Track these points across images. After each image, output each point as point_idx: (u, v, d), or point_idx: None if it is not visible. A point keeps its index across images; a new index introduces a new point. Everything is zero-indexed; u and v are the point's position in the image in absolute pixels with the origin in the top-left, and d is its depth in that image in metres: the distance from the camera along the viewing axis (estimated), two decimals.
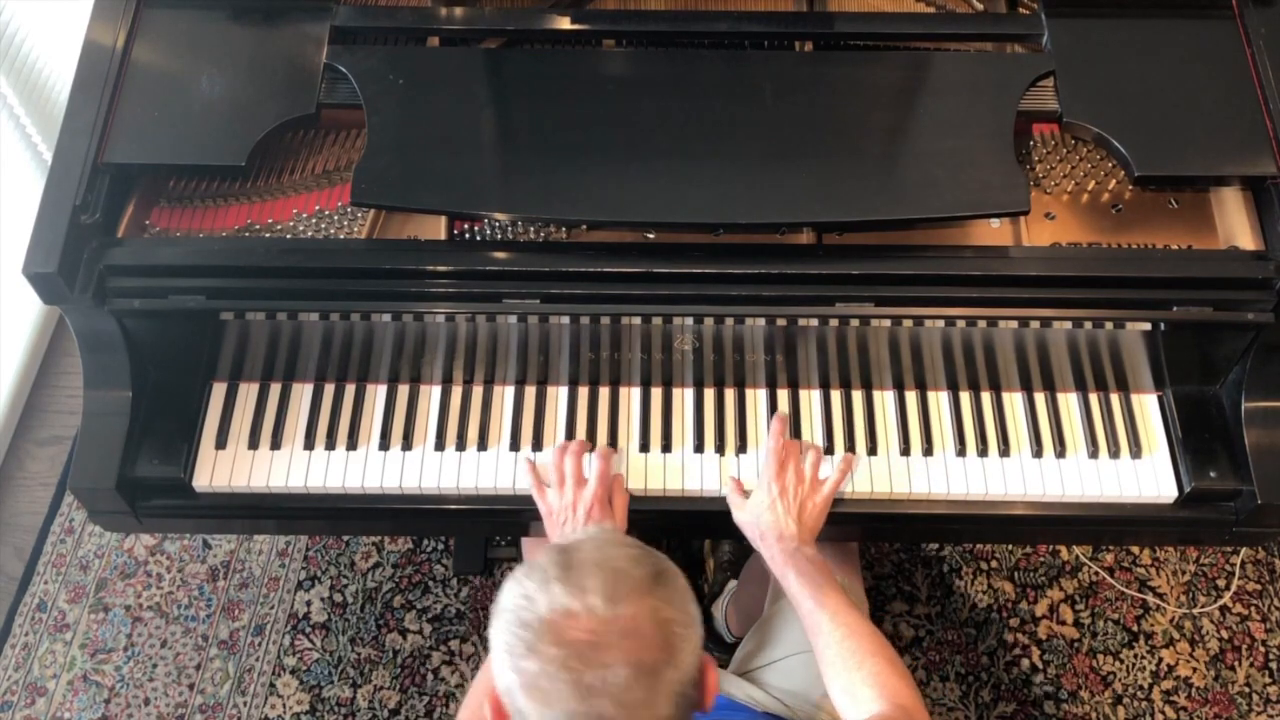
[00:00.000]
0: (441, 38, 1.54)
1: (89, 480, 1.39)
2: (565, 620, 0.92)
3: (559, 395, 1.49)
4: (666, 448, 1.45)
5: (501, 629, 0.96)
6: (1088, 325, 1.38)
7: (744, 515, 1.38)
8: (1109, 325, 1.38)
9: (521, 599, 0.95)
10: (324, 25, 1.47)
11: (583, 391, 1.49)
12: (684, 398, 1.49)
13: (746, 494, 1.40)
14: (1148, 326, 1.39)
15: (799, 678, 1.43)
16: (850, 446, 1.45)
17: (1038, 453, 1.45)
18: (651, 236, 1.43)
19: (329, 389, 1.49)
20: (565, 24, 1.51)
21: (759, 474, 1.42)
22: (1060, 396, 1.49)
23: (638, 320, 1.39)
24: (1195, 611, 2.12)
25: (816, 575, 1.31)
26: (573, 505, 1.37)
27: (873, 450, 1.45)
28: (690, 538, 2.11)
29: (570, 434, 1.46)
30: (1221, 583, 2.15)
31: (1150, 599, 2.12)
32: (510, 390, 1.49)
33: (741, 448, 1.45)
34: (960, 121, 1.41)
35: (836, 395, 1.49)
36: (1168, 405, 1.47)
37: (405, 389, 1.49)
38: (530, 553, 1.65)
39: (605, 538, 1.01)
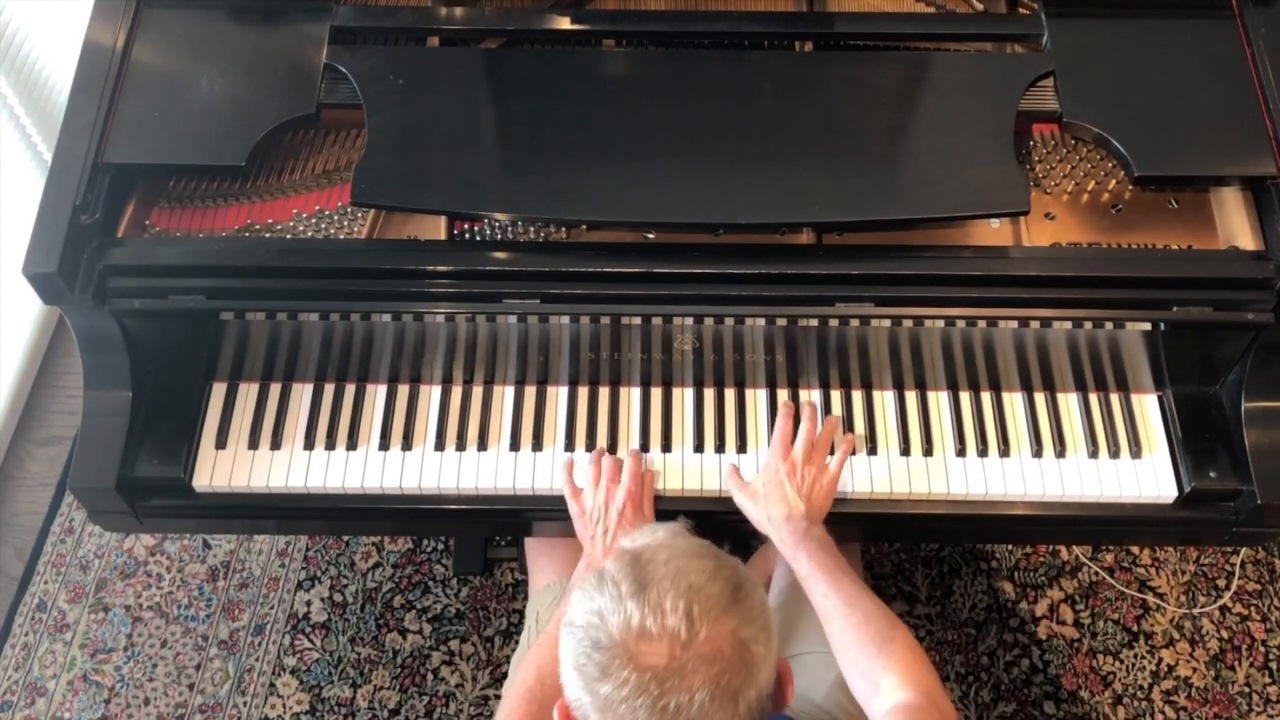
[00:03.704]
0: (441, 38, 1.54)
1: (89, 480, 1.39)
2: (642, 644, 0.89)
3: (559, 395, 1.49)
4: (666, 448, 1.45)
5: (572, 646, 0.93)
6: (1088, 325, 1.38)
7: (749, 499, 1.37)
8: (1109, 325, 1.38)
9: (593, 616, 0.92)
10: (324, 25, 1.47)
11: (583, 391, 1.49)
12: (684, 398, 1.49)
13: (747, 483, 1.40)
14: (1148, 326, 1.39)
15: (800, 679, 1.43)
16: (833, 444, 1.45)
17: (1038, 453, 1.45)
18: (651, 236, 1.43)
19: (329, 389, 1.49)
20: (565, 24, 1.51)
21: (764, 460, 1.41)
22: (1060, 396, 1.49)
23: (638, 320, 1.39)
24: (1195, 611, 2.11)
25: (828, 558, 1.29)
26: (605, 505, 1.37)
27: (873, 450, 1.45)
28: None
29: (570, 434, 1.46)
30: (1221, 583, 2.15)
31: (1150, 599, 2.12)
32: (510, 390, 1.49)
33: (741, 448, 1.45)
34: (960, 121, 1.41)
35: (836, 395, 1.49)
36: (1168, 405, 1.47)
37: (405, 389, 1.49)
38: (536, 555, 1.65)
39: (679, 545, 0.96)
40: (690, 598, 0.91)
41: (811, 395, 1.49)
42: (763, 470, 1.39)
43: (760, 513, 1.36)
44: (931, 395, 1.49)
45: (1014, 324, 1.38)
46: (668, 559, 0.94)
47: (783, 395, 1.48)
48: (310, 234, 1.43)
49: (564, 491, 1.42)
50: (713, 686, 0.89)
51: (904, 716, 1.13)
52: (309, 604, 2.11)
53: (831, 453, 1.42)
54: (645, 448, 1.45)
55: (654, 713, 0.89)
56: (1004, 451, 1.45)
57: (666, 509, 1.43)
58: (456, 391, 1.49)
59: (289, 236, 1.43)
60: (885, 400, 1.49)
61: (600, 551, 1.36)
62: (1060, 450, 1.45)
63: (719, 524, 1.43)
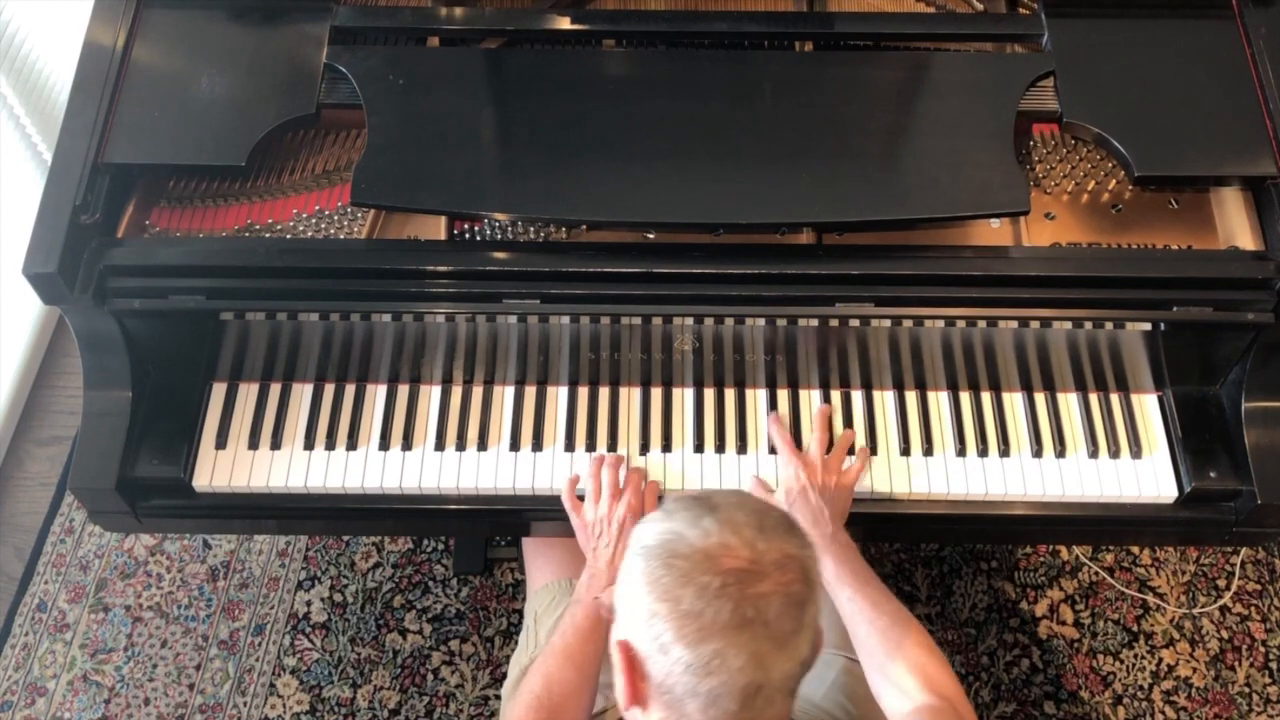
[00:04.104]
0: (441, 38, 1.54)
1: (89, 480, 1.39)
2: (722, 550, 0.93)
3: (559, 395, 1.49)
4: (667, 448, 1.45)
5: (644, 564, 0.95)
6: (1088, 325, 1.38)
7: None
8: (1109, 325, 1.38)
9: (669, 534, 0.96)
10: (324, 25, 1.47)
11: (583, 391, 1.49)
12: (684, 398, 1.49)
13: (770, 492, 1.41)
14: (1148, 326, 1.39)
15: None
16: (850, 446, 1.45)
17: (1038, 453, 1.45)
18: (651, 236, 1.43)
19: (329, 389, 1.49)
20: (565, 24, 1.51)
21: (777, 471, 1.42)
22: (1060, 396, 1.49)
23: (638, 320, 1.39)
24: (1195, 611, 2.11)
25: (854, 563, 1.32)
26: (608, 519, 1.37)
27: (873, 450, 1.45)
28: None
29: (570, 434, 1.46)
30: (1221, 583, 2.15)
31: (1150, 599, 2.12)
32: (510, 390, 1.49)
33: (741, 448, 1.45)
34: (960, 121, 1.41)
35: (836, 395, 1.49)
36: (1168, 405, 1.47)
37: (405, 389, 1.49)
38: (534, 555, 1.64)
39: (734, 489, 1.02)
40: (758, 517, 0.97)
41: (811, 395, 1.49)
42: (783, 481, 1.40)
43: None
44: (931, 395, 1.49)
45: (1014, 324, 1.38)
46: (729, 495, 1.00)
47: (783, 395, 1.48)
48: (310, 234, 1.43)
49: (565, 505, 1.42)
50: (785, 593, 0.93)
51: (926, 718, 1.15)
52: (309, 604, 2.11)
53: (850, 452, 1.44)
54: (645, 448, 1.45)
55: (735, 616, 0.91)
56: (1004, 451, 1.45)
57: None
58: (456, 391, 1.49)
59: (289, 236, 1.43)
60: (885, 400, 1.49)
61: (604, 563, 1.36)
62: (1060, 450, 1.45)
63: None
